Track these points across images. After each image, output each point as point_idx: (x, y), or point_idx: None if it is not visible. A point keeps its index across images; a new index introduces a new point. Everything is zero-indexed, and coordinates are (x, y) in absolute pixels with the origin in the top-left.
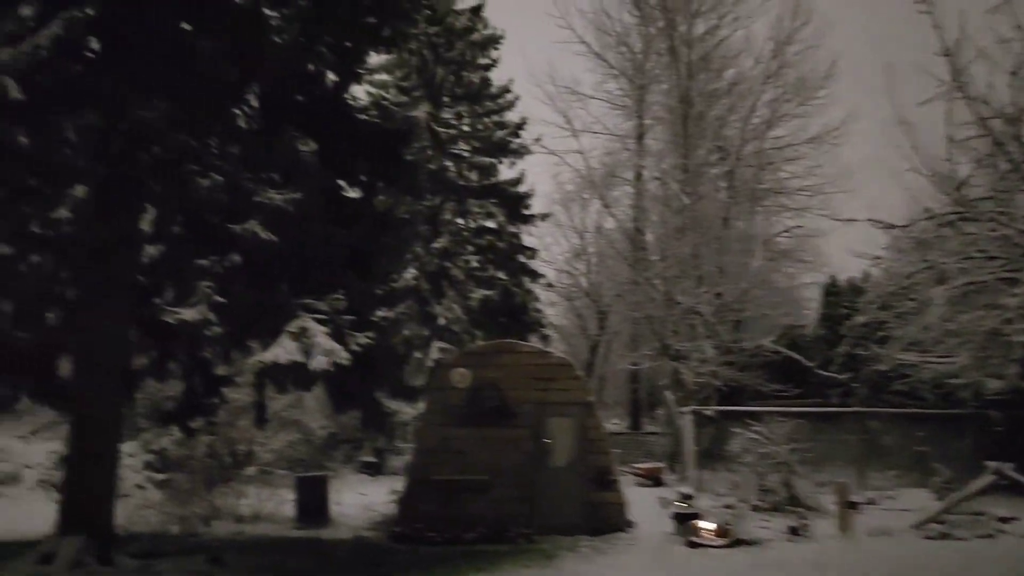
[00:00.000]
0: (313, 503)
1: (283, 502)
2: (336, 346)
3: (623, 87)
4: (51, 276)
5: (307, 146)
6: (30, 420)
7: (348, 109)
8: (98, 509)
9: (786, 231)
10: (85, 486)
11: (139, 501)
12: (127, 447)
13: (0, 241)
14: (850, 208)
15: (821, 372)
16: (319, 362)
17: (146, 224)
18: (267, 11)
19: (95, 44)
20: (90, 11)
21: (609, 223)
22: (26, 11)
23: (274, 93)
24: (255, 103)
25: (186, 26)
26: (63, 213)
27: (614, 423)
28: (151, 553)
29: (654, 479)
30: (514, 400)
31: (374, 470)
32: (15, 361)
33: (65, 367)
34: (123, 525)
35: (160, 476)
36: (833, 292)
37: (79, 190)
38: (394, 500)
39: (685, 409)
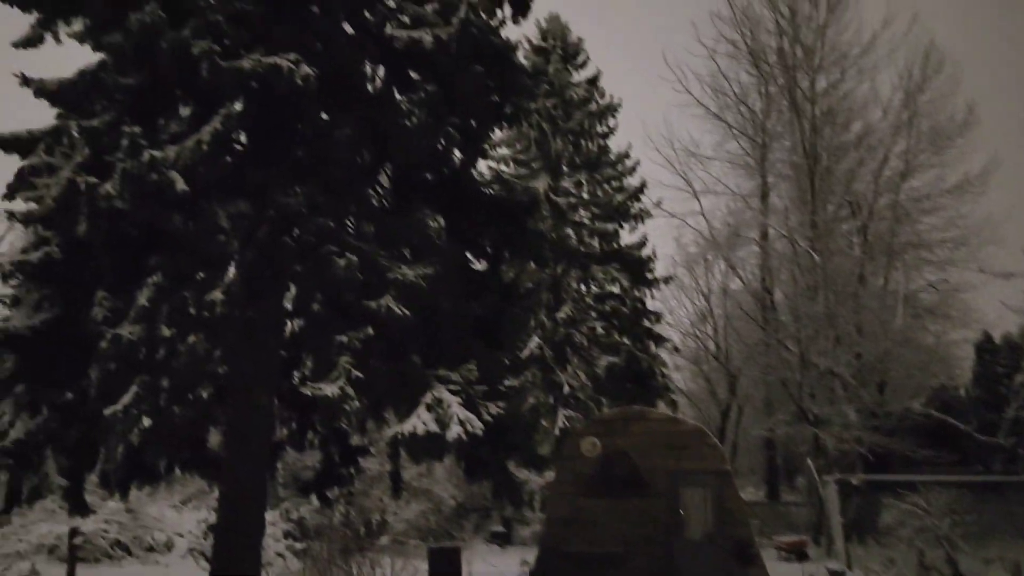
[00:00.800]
0: (447, 574)
1: (417, 572)
2: (471, 415)
3: (745, 146)
4: (206, 355)
5: (436, 222)
6: (181, 489)
7: (474, 184)
8: None
9: (930, 286)
10: (234, 556)
11: (280, 570)
12: (268, 516)
13: (162, 324)
14: (1001, 259)
15: (980, 437)
16: (454, 432)
17: (287, 302)
18: (398, 96)
19: (243, 137)
20: (239, 108)
21: (735, 284)
22: (184, 111)
23: (405, 173)
24: (387, 183)
25: (324, 116)
26: (217, 296)
27: (749, 492)
28: None
29: (798, 553)
30: (646, 469)
31: (503, 540)
32: (170, 434)
33: (215, 438)
34: None
35: (299, 545)
36: (988, 350)
37: (230, 273)
38: (526, 571)
39: (828, 477)
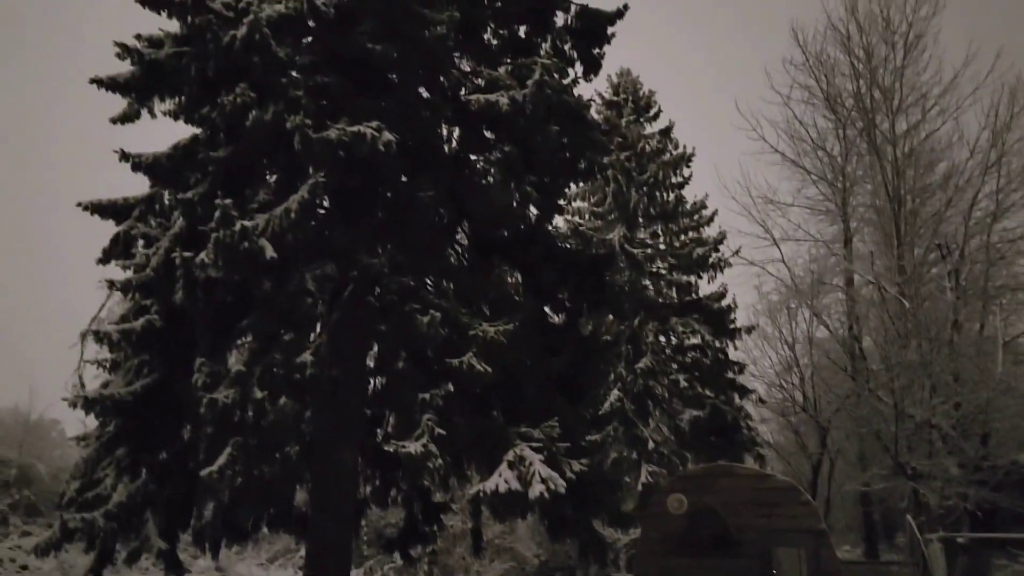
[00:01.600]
0: None
1: None
2: (553, 474)
3: (824, 192)
4: (295, 415)
5: (513, 277)
6: (268, 548)
7: (550, 239)
8: None
9: None
10: None
11: None
12: (353, 574)
13: (255, 387)
14: None
15: None
16: (537, 490)
17: (370, 360)
18: (473, 157)
19: (326, 201)
20: (323, 174)
21: (821, 332)
22: (271, 178)
23: (482, 231)
24: (465, 241)
25: (403, 178)
26: (307, 358)
27: (845, 550)
28: None
29: None
30: (736, 527)
31: None
32: (258, 492)
33: (300, 497)
34: None
35: None
36: None
37: (317, 335)
38: None
39: (932, 535)
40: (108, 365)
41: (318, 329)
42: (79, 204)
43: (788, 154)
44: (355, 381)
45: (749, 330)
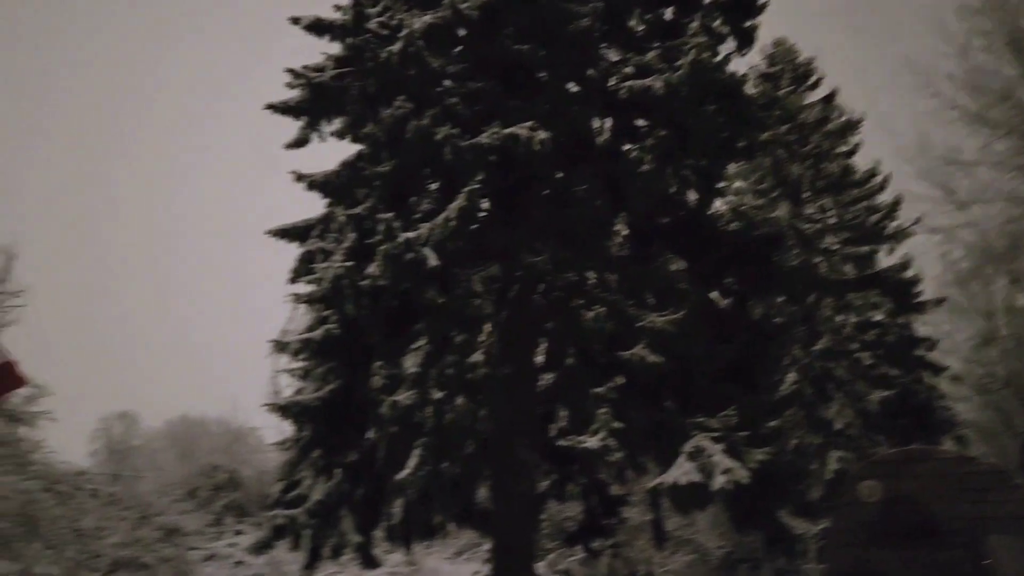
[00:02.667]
0: None
1: None
2: (735, 464)
3: (1015, 145)
4: (472, 414)
5: (677, 265)
6: (454, 542)
7: (711, 223)
8: None
9: None
10: None
11: None
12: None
13: (432, 387)
14: None
15: None
16: (719, 481)
17: (539, 357)
18: (626, 146)
19: (485, 203)
20: (481, 177)
21: (1022, 300)
22: (433, 186)
23: (641, 220)
24: (625, 231)
25: (559, 174)
26: (478, 357)
27: None
28: None
29: None
30: (938, 515)
31: None
32: (442, 491)
33: (482, 493)
34: None
35: None
36: None
37: (487, 334)
38: None
39: None
40: (301, 374)
41: (487, 329)
42: (267, 231)
43: (970, 108)
44: (525, 378)
45: (938, 302)
